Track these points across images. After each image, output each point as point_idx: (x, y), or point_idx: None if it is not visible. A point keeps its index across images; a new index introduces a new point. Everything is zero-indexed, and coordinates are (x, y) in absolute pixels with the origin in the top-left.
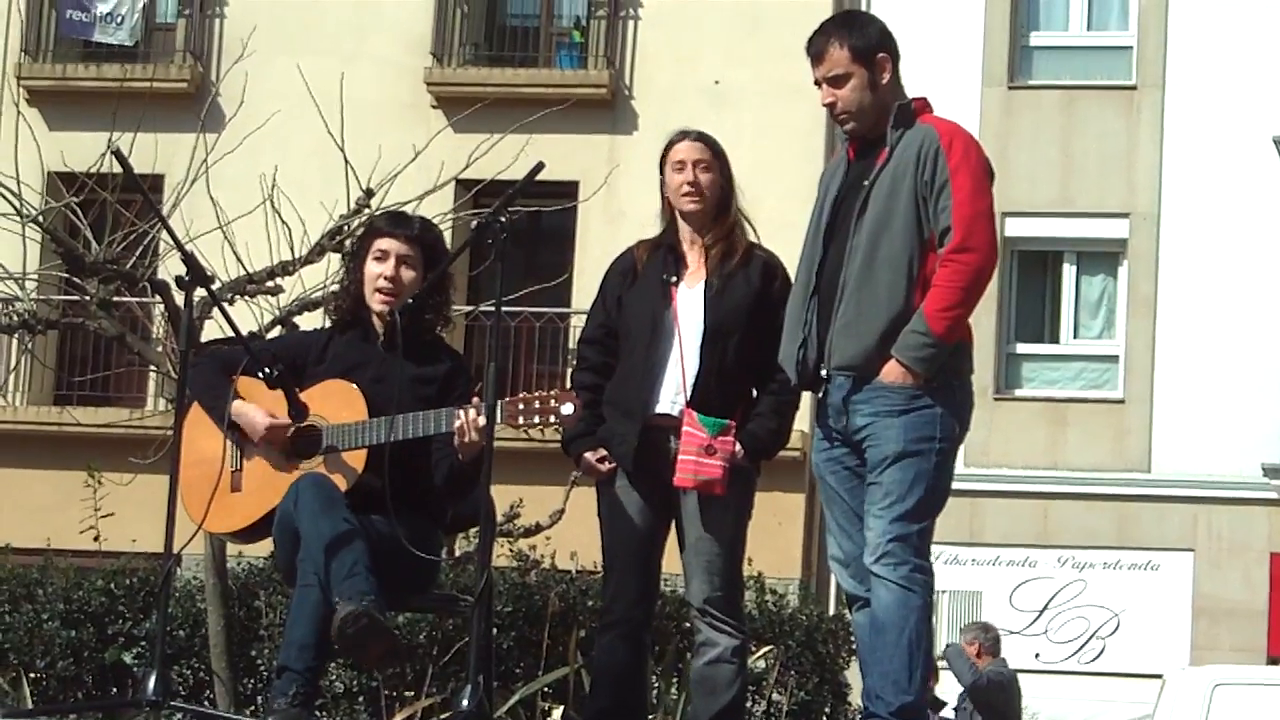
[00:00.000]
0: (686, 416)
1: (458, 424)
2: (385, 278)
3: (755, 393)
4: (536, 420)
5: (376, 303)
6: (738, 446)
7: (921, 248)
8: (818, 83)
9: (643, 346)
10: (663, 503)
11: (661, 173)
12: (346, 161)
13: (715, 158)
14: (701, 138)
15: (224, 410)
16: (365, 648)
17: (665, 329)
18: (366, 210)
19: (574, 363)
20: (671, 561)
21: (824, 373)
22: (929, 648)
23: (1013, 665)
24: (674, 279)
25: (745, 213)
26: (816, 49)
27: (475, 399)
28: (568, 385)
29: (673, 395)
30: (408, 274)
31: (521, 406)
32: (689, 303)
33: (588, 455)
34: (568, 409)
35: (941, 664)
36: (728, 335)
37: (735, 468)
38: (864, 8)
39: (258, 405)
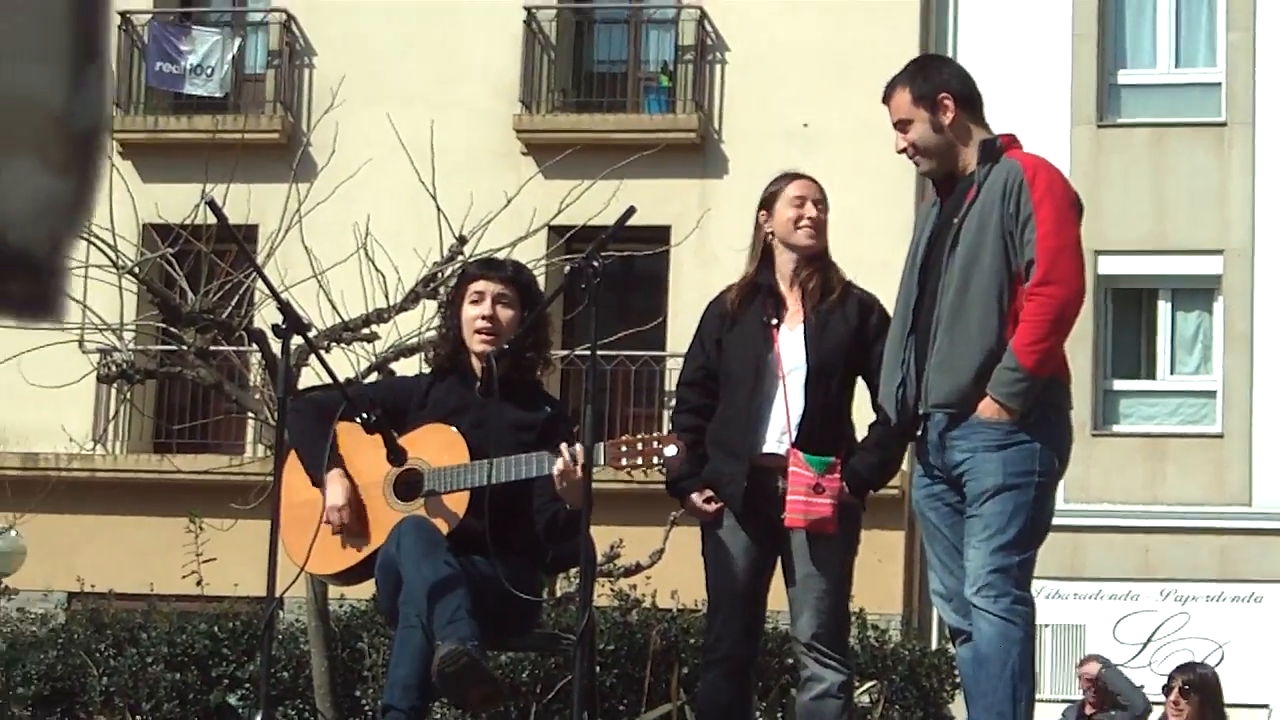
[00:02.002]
0: (793, 456)
1: (560, 465)
2: (484, 318)
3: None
4: (640, 462)
5: (477, 344)
6: (844, 483)
7: (1011, 282)
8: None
9: (747, 389)
10: (770, 542)
11: (766, 210)
12: (439, 208)
13: (822, 195)
14: (811, 178)
15: (320, 463)
16: (465, 688)
17: (769, 370)
18: (460, 257)
19: (671, 405)
20: (774, 598)
21: (921, 410)
22: (1032, 680)
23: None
24: (775, 321)
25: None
26: (887, 94)
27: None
28: (665, 428)
29: (778, 435)
30: (505, 313)
31: (624, 449)
32: (790, 344)
33: (694, 497)
34: (671, 451)
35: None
36: (830, 374)
37: (843, 505)
38: (950, 50)
39: (358, 453)
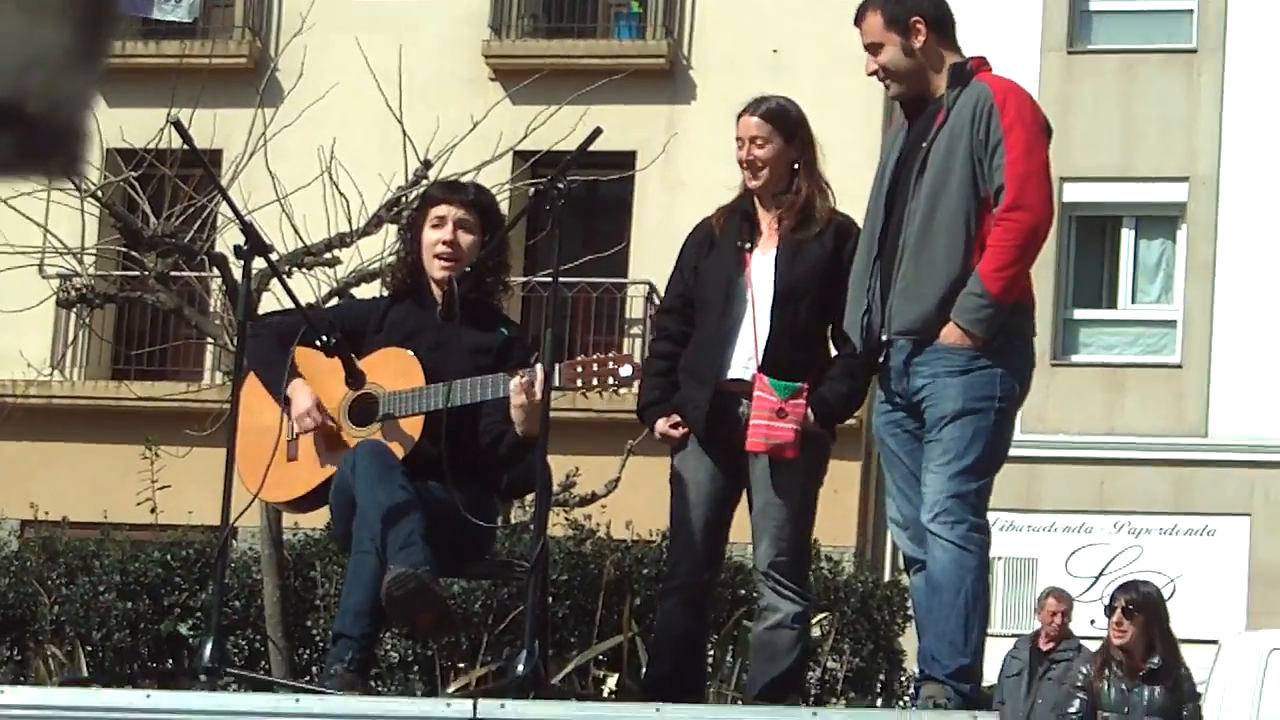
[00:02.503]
0: (758, 381)
1: (514, 385)
2: (444, 243)
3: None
4: (595, 383)
5: (437, 269)
6: (809, 410)
7: (979, 208)
8: (867, 49)
9: (716, 313)
10: (734, 469)
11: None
12: (405, 134)
13: (776, 130)
14: (763, 112)
15: (280, 382)
16: (414, 611)
17: (738, 294)
18: (424, 181)
19: (631, 332)
20: (735, 529)
21: (885, 337)
22: (986, 610)
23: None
24: (748, 245)
25: (825, 179)
26: (858, 17)
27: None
28: (626, 351)
29: (745, 360)
30: (466, 238)
31: (580, 369)
32: (762, 268)
33: (660, 422)
34: (626, 371)
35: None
36: (799, 298)
37: (808, 433)
38: None
39: (316, 377)
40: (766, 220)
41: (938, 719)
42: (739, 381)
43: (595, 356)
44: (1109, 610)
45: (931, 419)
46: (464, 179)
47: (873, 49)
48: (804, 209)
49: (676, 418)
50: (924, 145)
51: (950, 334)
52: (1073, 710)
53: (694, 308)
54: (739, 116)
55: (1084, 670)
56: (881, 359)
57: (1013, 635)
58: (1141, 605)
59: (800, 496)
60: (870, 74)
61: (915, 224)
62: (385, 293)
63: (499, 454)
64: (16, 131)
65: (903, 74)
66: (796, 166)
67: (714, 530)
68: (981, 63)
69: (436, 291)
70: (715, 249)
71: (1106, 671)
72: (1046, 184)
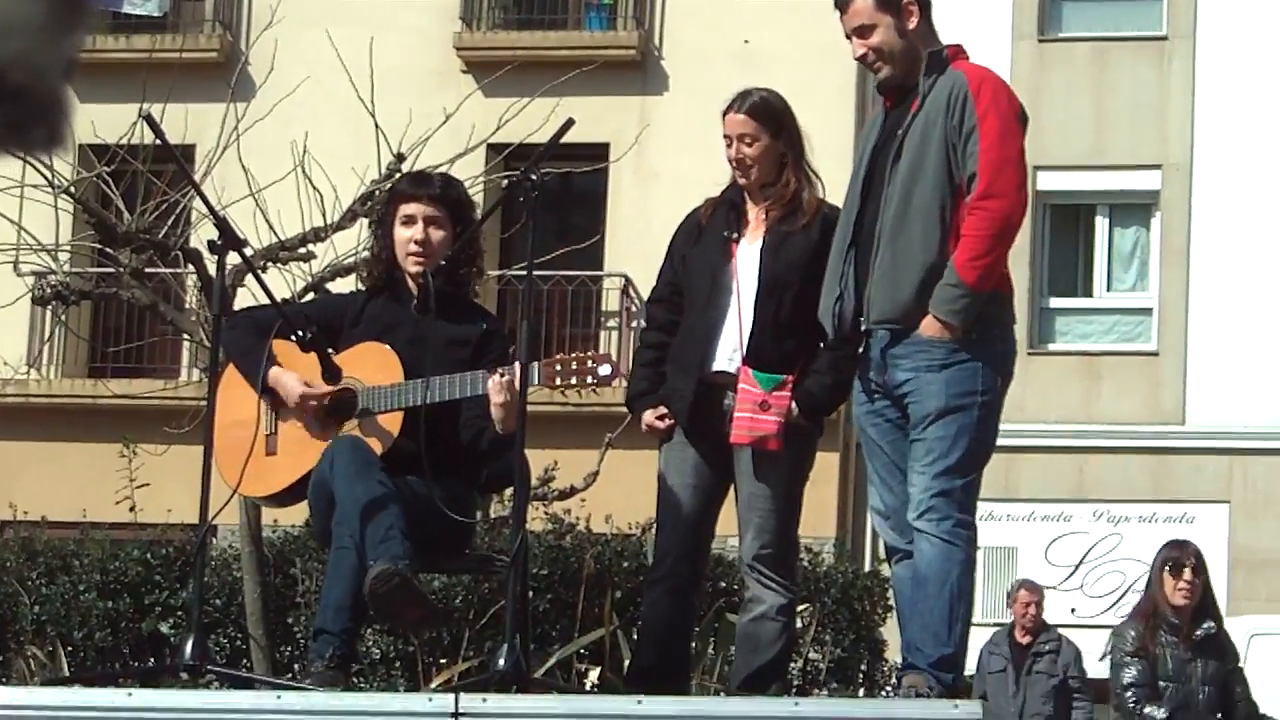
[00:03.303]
0: (742, 373)
1: (492, 384)
2: (416, 241)
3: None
4: (574, 381)
5: (410, 265)
6: (793, 403)
7: (953, 195)
8: (848, 36)
9: (702, 303)
10: (720, 460)
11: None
12: (377, 127)
13: (764, 126)
14: (749, 108)
15: (259, 371)
16: (397, 608)
17: (724, 285)
18: (398, 175)
19: (608, 325)
20: (721, 522)
21: (863, 327)
22: (970, 603)
23: (1049, 620)
24: (735, 235)
25: (813, 167)
26: (842, 3)
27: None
28: (602, 348)
29: (730, 352)
30: (437, 234)
31: (559, 368)
32: (748, 258)
33: (647, 414)
34: (605, 370)
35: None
36: (784, 290)
37: (793, 425)
38: None
39: (293, 371)
40: (754, 211)
41: (920, 707)
42: (724, 373)
43: (574, 355)
44: (1172, 568)
45: (915, 416)
46: (437, 171)
47: (862, 31)
48: (792, 200)
49: (663, 409)
50: (899, 133)
51: (929, 327)
52: (1130, 679)
53: (682, 297)
54: (724, 113)
55: (1131, 633)
56: (860, 349)
57: (993, 625)
58: (1202, 565)
59: (785, 489)
60: (858, 58)
61: (891, 211)
62: (361, 287)
63: (479, 450)
64: None
65: (896, 56)
66: (785, 160)
67: (700, 522)
68: (958, 51)
69: (412, 286)
70: (703, 239)
71: (1159, 636)
72: (1020, 171)
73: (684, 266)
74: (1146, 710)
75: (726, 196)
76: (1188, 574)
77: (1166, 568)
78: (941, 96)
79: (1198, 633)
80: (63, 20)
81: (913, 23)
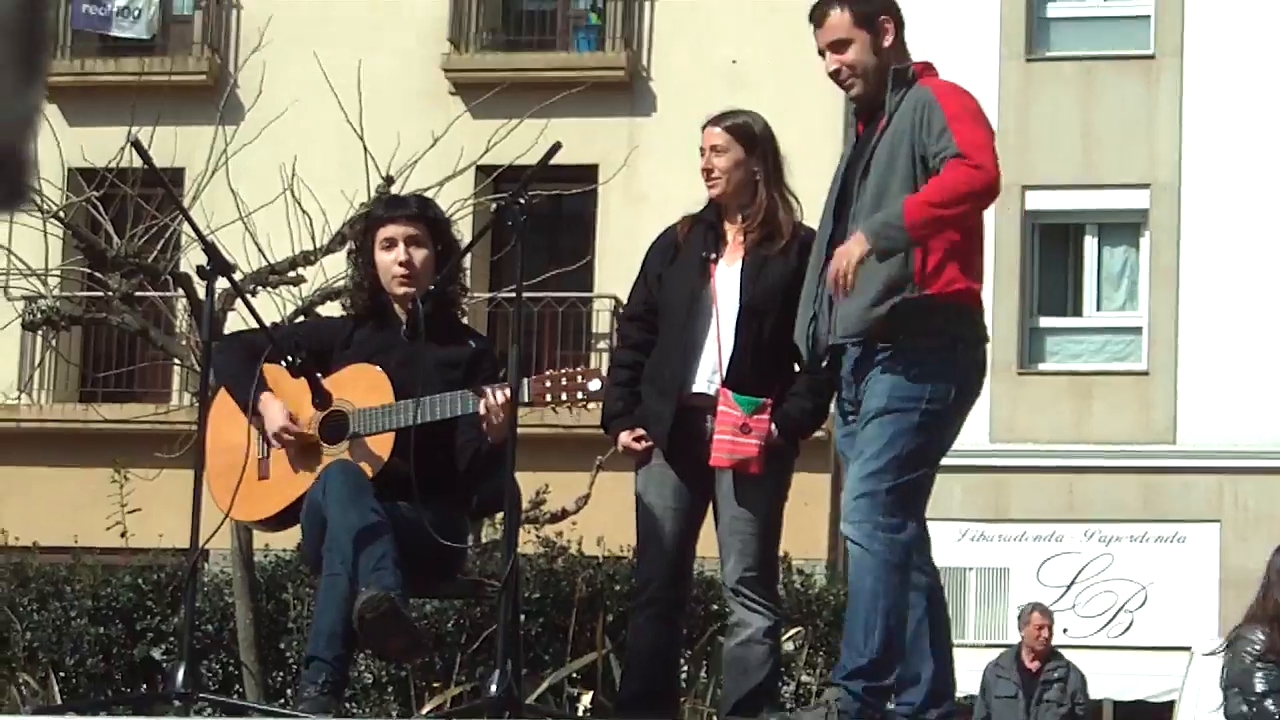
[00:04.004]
0: (722, 395)
1: (483, 404)
2: (400, 263)
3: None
4: (564, 397)
5: (397, 288)
6: (773, 426)
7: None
8: (821, 52)
9: (680, 324)
10: (699, 483)
11: None
12: (366, 150)
13: (736, 140)
14: (724, 123)
15: (249, 394)
16: (385, 636)
17: (703, 306)
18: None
19: (598, 347)
20: (703, 545)
21: (831, 341)
22: (893, 606)
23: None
24: (713, 255)
25: (792, 191)
26: (818, 15)
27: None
28: (594, 366)
29: (709, 374)
30: (420, 254)
31: (549, 384)
32: (727, 280)
33: (624, 436)
34: (595, 385)
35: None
36: (764, 313)
37: (772, 448)
38: None
39: (283, 397)
40: (731, 231)
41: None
42: (703, 396)
43: (564, 371)
44: None
45: (861, 416)
46: (428, 194)
47: (837, 46)
48: (766, 221)
49: (640, 431)
50: (868, 150)
51: (852, 243)
52: (1266, 686)
53: (657, 315)
54: (703, 128)
55: (1260, 635)
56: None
57: (987, 646)
58: None
59: (766, 511)
60: (831, 73)
61: (859, 228)
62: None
63: (478, 464)
64: None
65: (870, 72)
66: (758, 178)
67: (681, 545)
68: (925, 67)
69: (399, 310)
70: (680, 258)
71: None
72: (998, 166)
73: (660, 285)
74: None
75: (703, 216)
76: None
77: None
78: (908, 111)
79: None
80: (20, 73)
81: (888, 40)
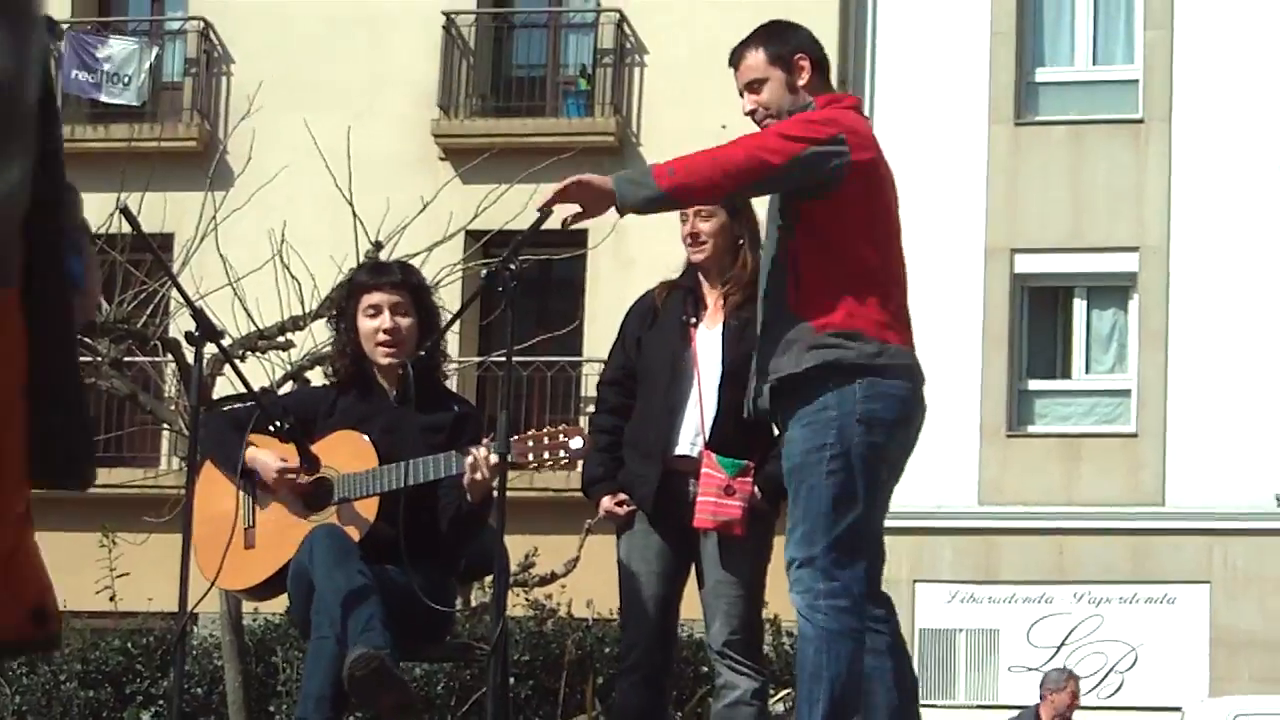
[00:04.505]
0: (705, 458)
1: (468, 462)
2: (385, 331)
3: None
4: (546, 456)
5: (380, 356)
6: (756, 488)
7: (789, 234)
8: (741, 92)
9: (661, 388)
10: (682, 546)
11: None
12: (355, 215)
13: (722, 205)
14: None
15: (237, 465)
16: (376, 693)
17: (684, 370)
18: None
19: (588, 411)
20: (688, 606)
21: (756, 395)
22: (850, 676)
23: (1032, 701)
24: (693, 320)
25: None
26: (736, 57)
27: (486, 440)
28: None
29: (692, 437)
30: (404, 321)
31: (531, 444)
32: (708, 344)
33: (606, 500)
34: (577, 443)
35: None
36: (746, 378)
37: (755, 510)
38: (869, 50)
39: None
40: (712, 296)
41: None
42: (686, 459)
43: (545, 430)
44: None
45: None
46: (416, 261)
47: (753, 86)
48: (749, 284)
49: (623, 495)
50: None
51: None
52: None
53: (635, 380)
54: None
55: None
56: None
57: (977, 707)
58: None
59: (750, 574)
60: (748, 113)
61: (764, 276)
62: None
63: (460, 523)
64: None
65: (784, 110)
66: (741, 242)
67: (665, 609)
68: (831, 100)
69: (381, 378)
70: (659, 323)
71: None
72: (792, 146)
73: (639, 350)
74: None
75: (682, 282)
76: None
77: None
78: None
79: None
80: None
81: (803, 78)
